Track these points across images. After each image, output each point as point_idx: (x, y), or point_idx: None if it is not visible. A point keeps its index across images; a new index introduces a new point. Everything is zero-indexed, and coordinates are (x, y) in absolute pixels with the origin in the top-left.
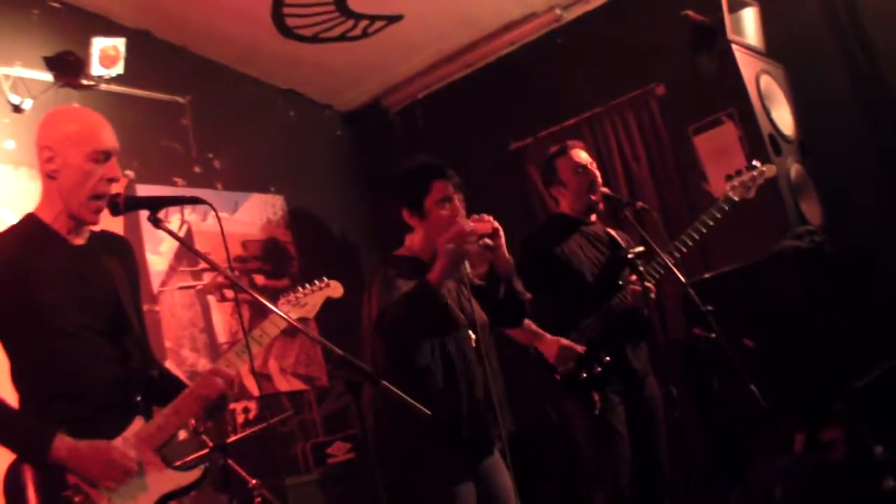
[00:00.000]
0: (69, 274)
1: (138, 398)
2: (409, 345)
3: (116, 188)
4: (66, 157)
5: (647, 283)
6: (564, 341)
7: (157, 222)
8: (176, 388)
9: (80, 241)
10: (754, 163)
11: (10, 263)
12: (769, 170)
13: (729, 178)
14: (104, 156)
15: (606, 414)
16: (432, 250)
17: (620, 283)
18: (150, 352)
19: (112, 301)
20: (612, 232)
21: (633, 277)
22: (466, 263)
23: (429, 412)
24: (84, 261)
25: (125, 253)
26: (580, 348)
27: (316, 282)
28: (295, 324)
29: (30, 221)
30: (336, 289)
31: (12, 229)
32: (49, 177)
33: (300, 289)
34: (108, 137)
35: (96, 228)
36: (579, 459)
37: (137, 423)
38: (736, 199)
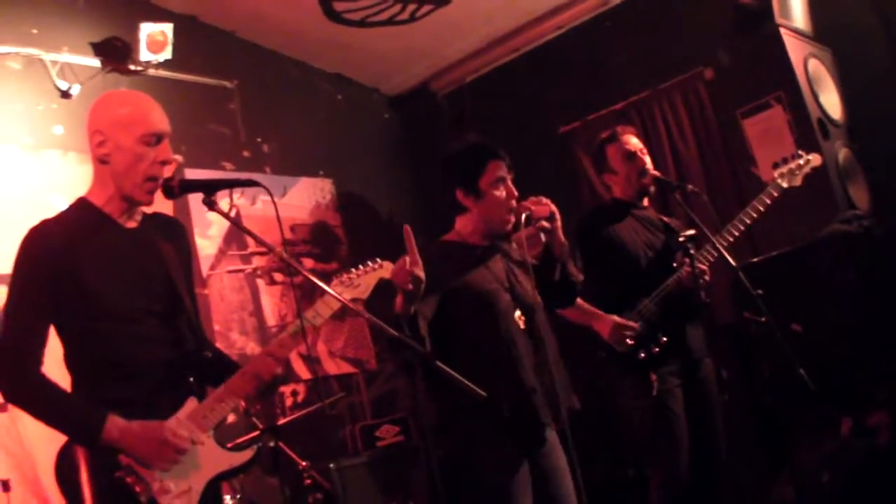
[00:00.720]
0: (121, 257)
1: (191, 379)
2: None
3: (168, 171)
4: (117, 140)
5: (701, 266)
6: (619, 318)
7: (211, 205)
8: (229, 370)
9: (132, 224)
10: (800, 151)
11: (62, 247)
12: (815, 159)
13: (776, 165)
14: (156, 138)
15: (663, 395)
16: (486, 231)
17: (675, 265)
18: (203, 333)
19: (165, 283)
20: (665, 218)
21: (687, 261)
22: (524, 243)
23: (483, 393)
24: (136, 244)
25: (178, 235)
26: (635, 325)
27: (369, 262)
28: (349, 304)
29: (82, 205)
30: (389, 269)
31: (64, 214)
32: (101, 161)
33: (353, 270)
34: (160, 120)
35: (148, 211)
36: (632, 440)
37: (191, 404)
38: (784, 185)
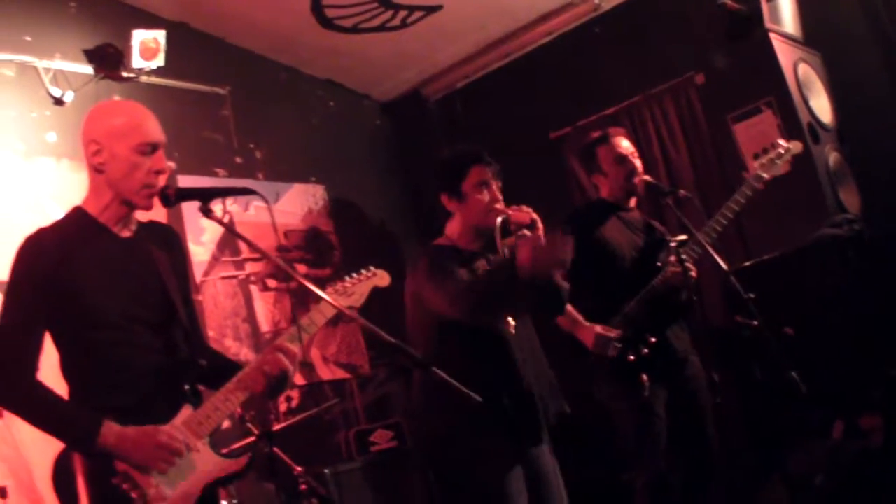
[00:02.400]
0: (115, 265)
1: (186, 387)
2: (494, 317)
3: (162, 180)
4: (113, 150)
5: (687, 264)
6: (599, 328)
7: (208, 213)
8: (229, 372)
9: (127, 233)
10: (780, 140)
11: (58, 256)
12: (794, 146)
13: (756, 156)
14: (151, 147)
15: (648, 397)
16: (470, 235)
17: (659, 265)
18: (202, 340)
19: (159, 292)
20: (651, 221)
21: (673, 259)
22: (506, 251)
23: (478, 398)
24: (130, 252)
25: (173, 244)
26: (614, 333)
27: (363, 271)
28: (346, 311)
29: (77, 214)
30: (383, 278)
31: (59, 222)
32: (96, 170)
33: (347, 278)
34: (155, 129)
35: (143, 219)
36: (619, 443)
37: (185, 412)
38: (766, 176)
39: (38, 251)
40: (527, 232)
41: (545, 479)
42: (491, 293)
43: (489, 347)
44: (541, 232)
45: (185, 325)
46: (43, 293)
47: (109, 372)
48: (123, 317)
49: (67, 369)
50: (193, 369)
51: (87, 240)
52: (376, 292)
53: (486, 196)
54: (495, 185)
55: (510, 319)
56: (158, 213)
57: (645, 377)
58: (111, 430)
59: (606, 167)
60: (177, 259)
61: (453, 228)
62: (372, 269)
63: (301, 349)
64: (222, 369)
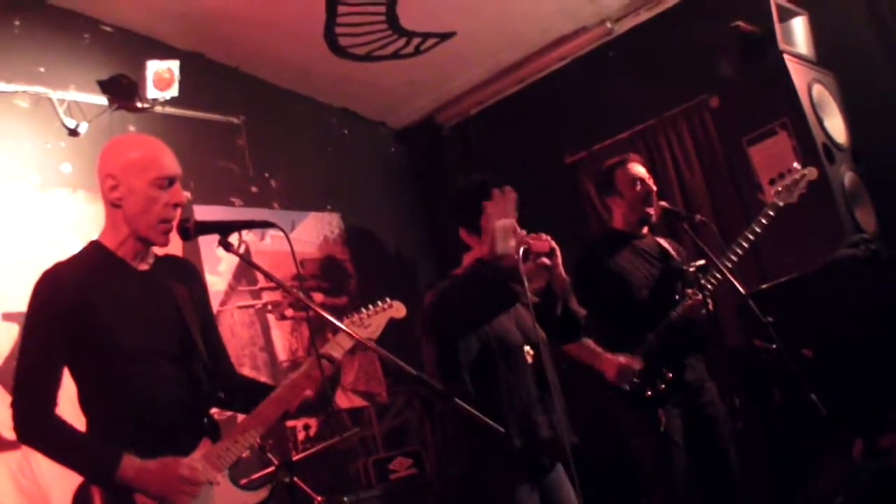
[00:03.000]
0: (133, 299)
1: (205, 420)
2: (457, 325)
3: (180, 212)
4: (129, 184)
5: (706, 292)
6: (623, 360)
7: (227, 246)
8: (262, 394)
9: (144, 266)
10: (795, 165)
11: (75, 289)
12: (810, 172)
13: (772, 181)
14: (168, 181)
15: (665, 426)
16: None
17: (677, 297)
18: (229, 367)
19: (177, 324)
20: (663, 242)
21: (691, 291)
22: (525, 280)
23: (500, 428)
24: (149, 285)
25: (190, 276)
26: (638, 365)
27: (379, 302)
28: (366, 342)
29: (94, 248)
30: (399, 309)
31: (77, 256)
32: (113, 205)
33: (363, 310)
34: (171, 163)
35: (160, 253)
36: (639, 473)
37: (205, 445)
38: (781, 203)
39: (55, 286)
40: (546, 260)
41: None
42: (458, 292)
43: (505, 376)
44: (559, 259)
45: (205, 358)
46: (61, 328)
47: (128, 405)
48: (142, 350)
49: (86, 403)
50: (213, 401)
51: (105, 273)
52: (395, 322)
53: None
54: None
55: (527, 348)
56: (175, 244)
57: (661, 413)
58: (131, 464)
59: (623, 188)
60: (195, 291)
61: (471, 260)
62: (388, 300)
63: (323, 379)
64: (255, 392)
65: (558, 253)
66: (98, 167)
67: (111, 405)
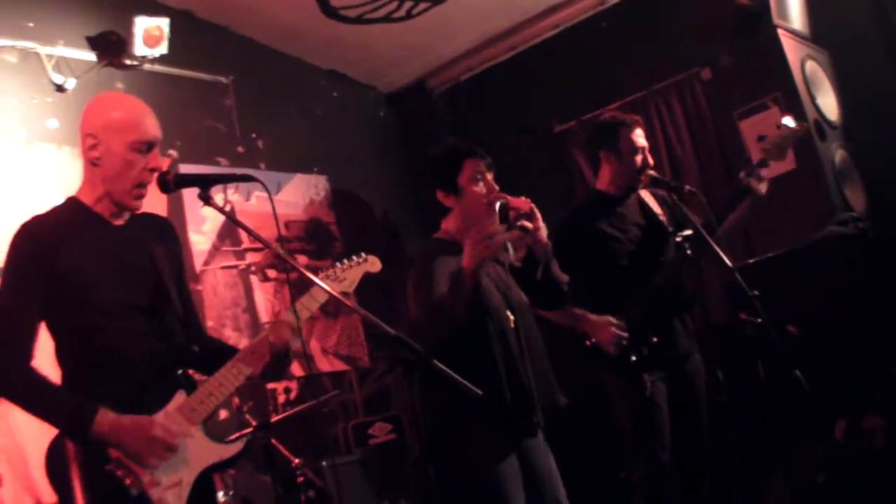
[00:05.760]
0: (109, 253)
1: (179, 373)
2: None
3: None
4: (108, 145)
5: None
6: (613, 320)
7: (207, 199)
8: (226, 356)
9: (120, 222)
10: (784, 121)
11: (52, 243)
12: (801, 127)
13: (760, 138)
14: (147, 146)
15: (651, 390)
16: (469, 227)
17: (661, 259)
18: (199, 328)
19: (152, 279)
20: (650, 200)
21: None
22: (509, 246)
23: (478, 391)
24: (124, 241)
25: (166, 233)
26: (624, 329)
27: (354, 257)
28: (338, 296)
29: (72, 204)
30: (374, 264)
31: (54, 210)
32: (92, 163)
33: (338, 264)
34: (152, 127)
35: (138, 210)
36: (618, 435)
37: (179, 398)
38: (771, 162)
39: (32, 239)
40: (527, 223)
41: (539, 471)
42: (444, 326)
43: (486, 341)
44: (540, 223)
45: (180, 312)
46: (37, 280)
47: (103, 358)
48: (117, 303)
49: (62, 356)
50: (187, 355)
51: (82, 228)
52: (377, 282)
53: (482, 188)
54: (489, 177)
55: (509, 313)
56: (159, 201)
57: (646, 377)
58: (106, 418)
59: (624, 150)
60: (171, 248)
61: (451, 223)
62: (363, 254)
63: (300, 338)
64: (219, 354)
65: (538, 215)
66: (80, 125)
67: (85, 359)
